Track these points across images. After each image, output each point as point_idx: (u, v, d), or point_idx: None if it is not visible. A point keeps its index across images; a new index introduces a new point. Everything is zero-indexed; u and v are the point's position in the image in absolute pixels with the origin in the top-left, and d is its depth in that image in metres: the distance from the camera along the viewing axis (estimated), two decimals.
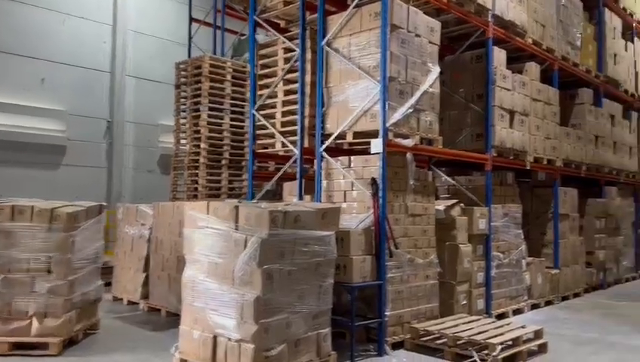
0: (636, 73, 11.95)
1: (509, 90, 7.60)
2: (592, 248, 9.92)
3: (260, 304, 4.14)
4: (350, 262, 5.37)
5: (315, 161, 6.30)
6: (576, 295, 9.26)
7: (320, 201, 6.22)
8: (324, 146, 6.24)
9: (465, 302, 6.81)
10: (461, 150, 7.12)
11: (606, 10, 10.70)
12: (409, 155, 6.02)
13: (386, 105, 5.66)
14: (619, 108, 11.09)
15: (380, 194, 5.62)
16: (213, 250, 4.50)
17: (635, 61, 11.92)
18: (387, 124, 5.66)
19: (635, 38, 12.10)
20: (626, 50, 11.47)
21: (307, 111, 6.46)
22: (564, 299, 8.93)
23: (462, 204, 7.08)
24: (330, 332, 4.82)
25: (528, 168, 8.07)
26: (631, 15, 11.83)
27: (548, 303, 8.50)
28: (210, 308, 4.51)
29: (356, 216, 5.92)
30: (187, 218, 4.76)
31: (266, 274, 4.17)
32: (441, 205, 6.83)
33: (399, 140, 5.76)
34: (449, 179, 7.76)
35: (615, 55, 10.97)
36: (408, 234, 6.01)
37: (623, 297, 9.40)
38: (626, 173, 11.24)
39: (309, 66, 6.46)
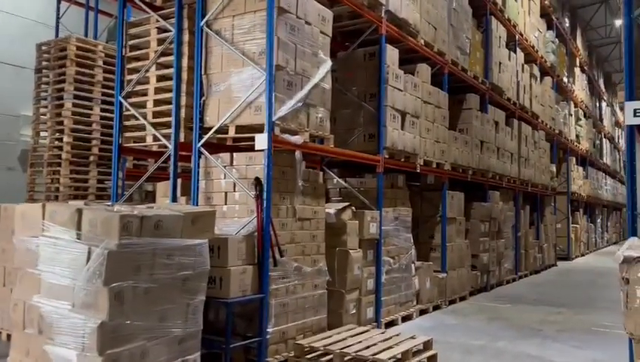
0: (517, 82, 12.54)
1: (401, 90, 7.38)
2: (477, 251, 10.12)
3: (105, 331, 3.34)
4: (227, 273, 4.70)
5: (192, 157, 5.56)
6: (462, 298, 9.34)
7: (197, 204, 5.48)
8: (202, 141, 5.51)
9: (354, 311, 6.42)
10: (353, 151, 6.75)
11: (493, 18, 11.04)
12: (298, 154, 5.50)
13: (273, 97, 5.09)
14: (502, 115, 11.52)
15: (265, 195, 5.02)
16: (49, 264, 3.61)
17: (517, 70, 12.50)
18: (274, 118, 5.08)
19: (518, 49, 12.71)
20: (509, 59, 11.97)
21: (184, 101, 5.69)
22: (451, 302, 8.96)
23: (353, 208, 6.71)
24: (200, 356, 4.12)
25: (418, 171, 7.94)
26: (514, 26, 12.39)
27: (436, 308, 8.44)
28: (45, 337, 3.61)
29: (238, 221, 5.27)
30: (17, 223, 3.81)
31: (115, 294, 3.38)
32: (331, 208, 6.40)
33: (287, 136, 5.21)
34: (340, 181, 7.37)
35: (500, 63, 11.37)
36: (296, 240, 5.48)
37: (505, 299, 9.65)
38: (507, 178, 11.70)
39: (186, 49, 5.70)
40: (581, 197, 19.97)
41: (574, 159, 19.07)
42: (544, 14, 15.53)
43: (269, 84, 5.07)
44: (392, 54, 7.28)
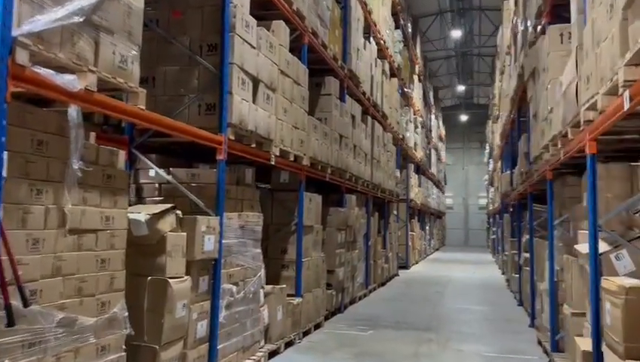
0: (372, 77, 11.31)
1: (253, 47, 5.26)
2: (333, 266, 8.42)
3: None
4: None
5: None
6: (317, 326, 7.51)
7: None
8: None
9: None
10: (183, 126, 4.42)
11: None
12: (73, 111, 3.02)
13: None
14: (359, 109, 10.08)
15: None
16: None
17: (371, 64, 11.26)
18: (15, 32, 2.55)
19: (372, 40, 11.50)
20: (365, 48, 10.64)
21: None
22: (306, 333, 7.06)
23: (179, 212, 4.39)
24: None
25: (273, 163, 5.88)
26: (370, 12, 11.14)
27: (289, 344, 6.44)
28: None
29: None
30: None
31: None
32: (141, 212, 3.98)
33: (46, 72, 2.72)
34: (161, 172, 4.94)
35: (358, 50, 9.94)
36: (65, 271, 2.98)
37: (364, 323, 8.07)
38: (362, 180, 10.31)
39: None
40: (416, 205, 19.99)
41: (413, 166, 18.94)
42: (394, 13, 14.81)
43: None
44: None
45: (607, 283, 3.47)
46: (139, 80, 3.53)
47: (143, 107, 3.55)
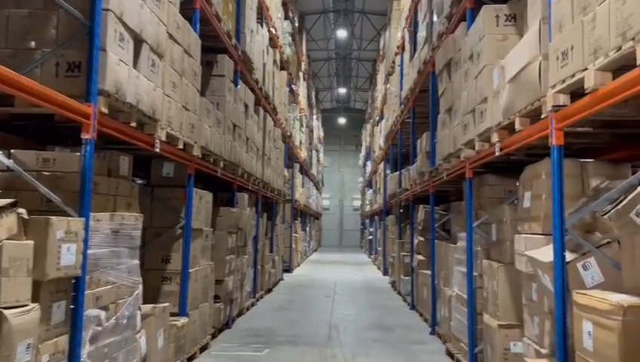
0: (264, 65, 10.32)
1: None
2: (222, 275, 7.28)
3: None
4: None
5: None
6: (203, 348, 6.33)
7: None
8: None
9: None
10: (32, 85, 3.06)
11: None
12: None
13: None
14: (252, 98, 9.04)
15: None
16: None
17: (263, 50, 10.27)
18: None
19: (264, 25, 10.51)
20: (257, 32, 9.62)
21: None
22: (190, 359, 5.86)
23: (22, 210, 3.04)
24: None
25: (157, 150, 4.65)
26: None
27: None
28: None
29: None
30: None
31: None
32: None
33: None
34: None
35: (252, 32, 8.90)
36: None
37: (257, 339, 7.06)
38: (254, 178, 9.27)
39: None
40: (300, 206, 19.38)
41: (298, 166, 18.28)
42: (284, 3, 13.97)
43: None
44: None
45: (586, 298, 2.90)
46: None
47: None
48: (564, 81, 3.06)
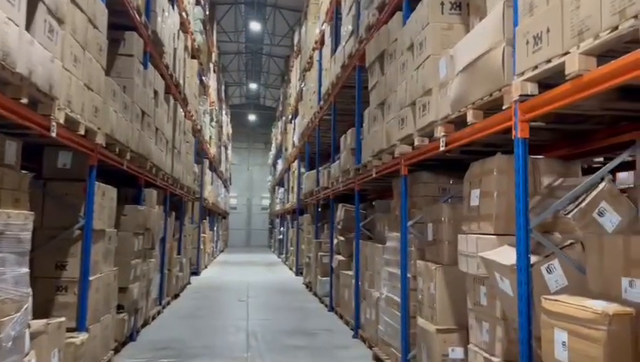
0: (175, 50, 9.48)
1: None
2: (127, 282, 6.46)
3: None
4: None
5: None
6: None
7: None
8: None
9: None
10: None
11: None
12: None
13: None
14: (162, 84, 8.20)
15: None
16: None
17: (174, 34, 9.43)
18: None
19: (176, 7, 9.67)
20: (168, 13, 8.78)
21: None
22: None
23: None
24: None
25: (54, 135, 3.84)
26: None
27: None
28: None
29: None
30: None
31: None
32: None
33: None
34: None
35: (163, 11, 8.07)
36: None
37: (166, 354, 6.32)
38: (163, 173, 8.44)
39: None
40: (208, 205, 18.46)
41: (208, 162, 17.37)
42: None
43: None
44: None
45: (559, 305, 2.65)
46: None
47: None
48: (536, 68, 2.80)
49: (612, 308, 2.41)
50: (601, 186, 3.12)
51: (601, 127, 3.63)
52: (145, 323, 7.80)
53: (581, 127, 3.73)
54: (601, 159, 4.45)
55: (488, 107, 3.48)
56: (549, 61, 2.69)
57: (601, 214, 3.08)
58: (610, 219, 3.08)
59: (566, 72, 2.52)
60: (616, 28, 2.21)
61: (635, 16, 2.09)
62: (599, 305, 2.46)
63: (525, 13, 2.94)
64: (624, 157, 3.05)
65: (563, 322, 2.63)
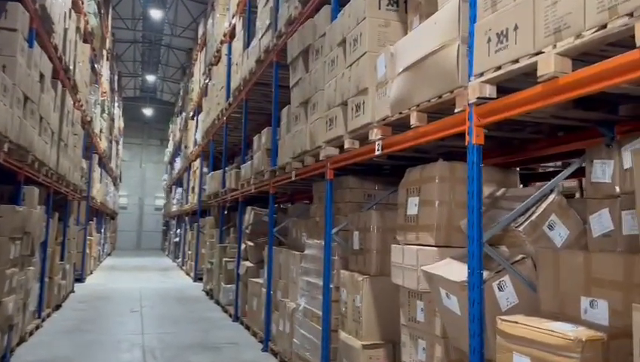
0: (65, 31, 8.39)
1: None
2: (0, 295, 5.46)
3: None
4: None
5: None
6: None
7: None
8: None
9: None
10: None
11: None
12: None
13: None
14: (49, 67, 7.16)
15: None
16: None
17: (65, 13, 8.34)
18: None
19: None
20: None
21: None
22: None
23: None
24: None
25: None
26: None
27: None
28: None
29: None
30: None
31: None
32: None
33: None
34: None
35: None
36: None
37: None
38: (46, 168, 7.37)
39: None
40: (96, 204, 16.92)
41: (97, 158, 15.89)
42: None
43: None
44: None
45: (519, 328, 2.43)
46: None
47: None
48: (499, 68, 2.58)
49: (583, 333, 2.22)
50: (550, 198, 2.99)
51: (539, 137, 3.56)
52: (21, 341, 6.74)
53: (517, 135, 3.65)
54: (534, 166, 4.45)
55: (435, 110, 3.24)
56: (516, 61, 2.47)
57: (551, 227, 2.95)
58: (560, 233, 2.96)
59: (539, 74, 2.31)
60: (604, 27, 2.01)
61: (630, 14, 1.90)
62: (568, 330, 2.27)
63: (487, 8, 2.71)
64: (574, 167, 2.95)
65: (524, 347, 2.41)
